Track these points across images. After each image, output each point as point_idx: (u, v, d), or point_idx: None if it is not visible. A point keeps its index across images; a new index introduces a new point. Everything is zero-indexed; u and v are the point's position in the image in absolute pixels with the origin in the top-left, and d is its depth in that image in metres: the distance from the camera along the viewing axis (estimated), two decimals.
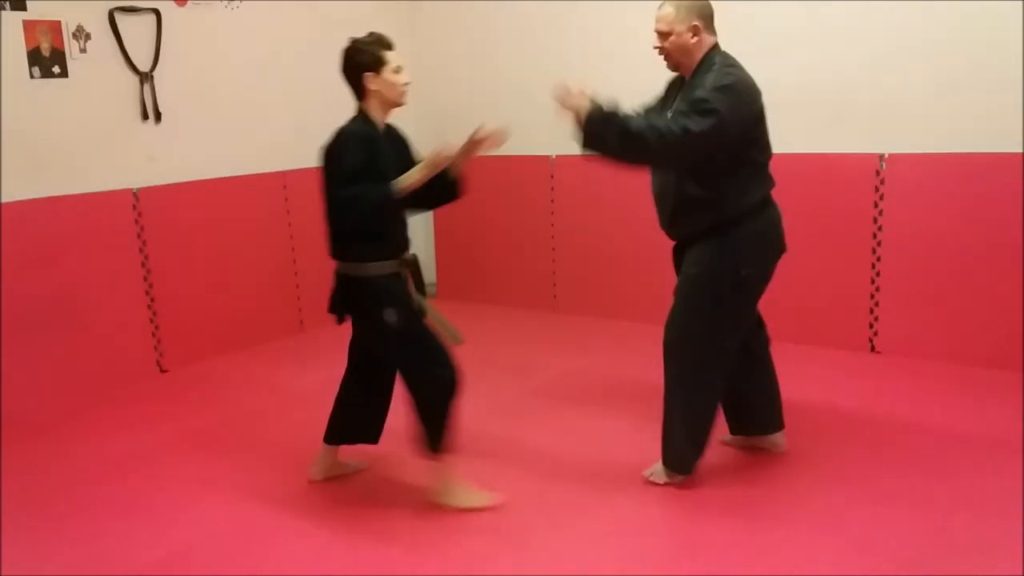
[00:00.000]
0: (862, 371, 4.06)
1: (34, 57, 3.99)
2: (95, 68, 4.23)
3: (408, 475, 3.14)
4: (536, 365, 4.35)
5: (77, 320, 4.16)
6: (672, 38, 2.69)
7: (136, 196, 4.39)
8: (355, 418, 3.07)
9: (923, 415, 3.48)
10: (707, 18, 2.72)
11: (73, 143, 4.18)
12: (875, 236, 4.23)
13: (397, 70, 2.81)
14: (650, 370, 4.21)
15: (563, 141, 5.28)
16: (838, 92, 4.29)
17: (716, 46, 2.73)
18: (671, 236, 2.96)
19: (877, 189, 4.19)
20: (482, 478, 3.10)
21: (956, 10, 3.93)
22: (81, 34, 4.15)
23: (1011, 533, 2.54)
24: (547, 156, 5.29)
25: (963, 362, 4.01)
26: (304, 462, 3.24)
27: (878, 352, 4.29)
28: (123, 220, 4.35)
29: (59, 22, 4.06)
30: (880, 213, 4.20)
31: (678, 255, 2.97)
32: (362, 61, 2.82)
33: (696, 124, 2.53)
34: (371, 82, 2.81)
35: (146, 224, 4.42)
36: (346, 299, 2.82)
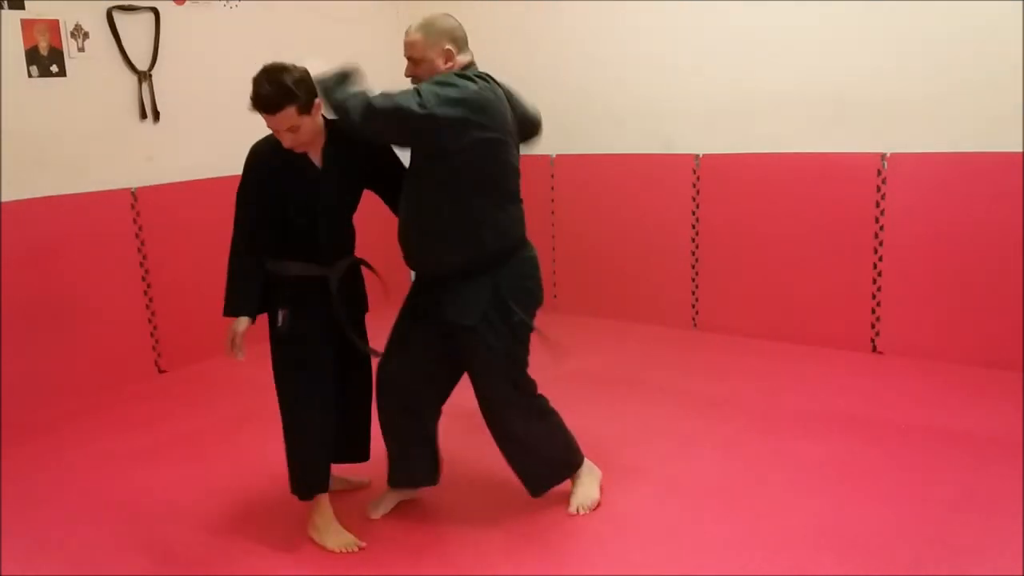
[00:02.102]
0: (864, 371, 4.05)
1: (32, 56, 3.98)
2: (93, 67, 4.22)
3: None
4: (536, 365, 4.32)
5: (75, 320, 4.14)
6: (424, 65, 2.55)
7: (134, 195, 4.38)
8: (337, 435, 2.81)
9: (924, 415, 3.47)
10: (460, 41, 2.58)
11: (71, 142, 4.17)
12: (877, 236, 4.22)
13: (275, 131, 2.55)
14: (650, 370, 4.21)
15: (563, 141, 5.31)
16: (840, 91, 4.28)
17: (470, 65, 2.61)
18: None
19: (879, 189, 4.18)
20: (481, 477, 3.10)
21: (958, 9, 3.91)
22: (79, 33, 4.14)
23: (1012, 533, 2.54)
24: (547, 156, 5.28)
25: (965, 362, 3.99)
26: None
27: (880, 352, 4.28)
28: (121, 219, 4.34)
29: (57, 21, 4.05)
30: (882, 213, 4.19)
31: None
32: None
33: (403, 97, 2.38)
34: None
35: (144, 223, 4.41)
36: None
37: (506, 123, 2.56)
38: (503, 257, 2.60)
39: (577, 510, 2.78)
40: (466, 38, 2.62)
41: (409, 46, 2.57)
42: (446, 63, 2.54)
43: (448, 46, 2.54)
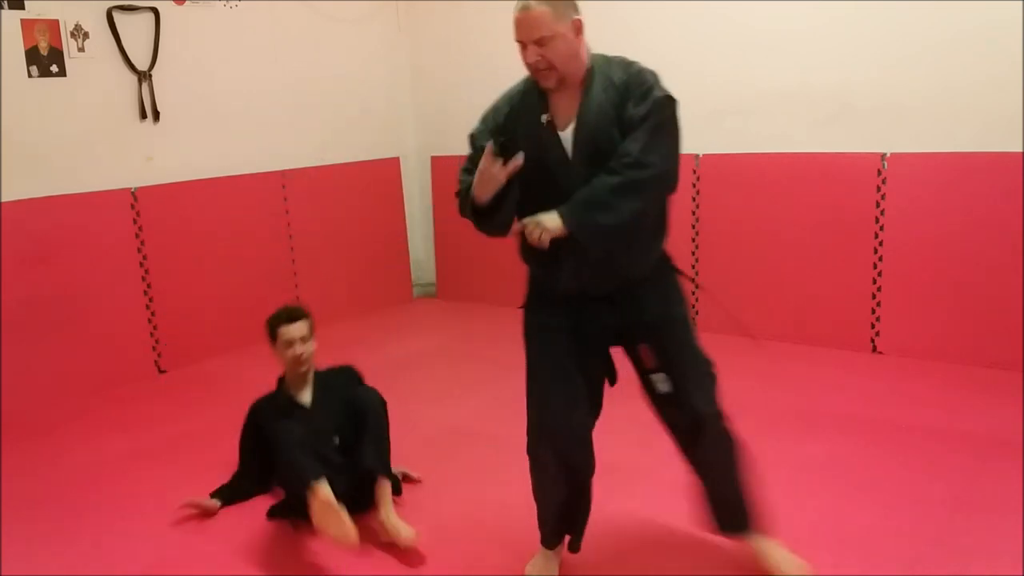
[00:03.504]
0: (864, 371, 4.05)
1: (32, 56, 3.98)
2: (93, 67, 4.22)
3: (408, 482, 3.13)
4: None
5: (75, 320, 4.15)
6: (557, 43, 2.05)
7: (134, 195, 4.38)
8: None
9: (924, 415, 3.46)
10: (577, 8, 2.12)
11: (71, 142, 4.17)
12: (877, 236, 4.22)
13: (288, 343, 2.89)
14: None
15: None
16: (840, 91, 4.28)
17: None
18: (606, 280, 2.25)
19: (879, 188, 4.18)
20: (481, 478, 3.10)
21: (958, 9, 3.91)
22: (79, 33, 4.14)
23: (1012, 534, 2.53)
24: None
25: (965, 362, 3.99)
26: None
27: (880, 352, 4.28)
28: (121, 219, 4.34)
29: (57, 21, 4.06)
30: (882, 212, 4.19)
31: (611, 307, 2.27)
32: (269, 333, 2.96)
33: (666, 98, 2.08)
34: (272, 349, 2.97)
35: (144, 224, 4.41)
36: None
37: None
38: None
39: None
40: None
41: (533, 25, 2.04)
42: (577, 36, 2.09)
43: (576, 15, 2.08)
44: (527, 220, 2.11)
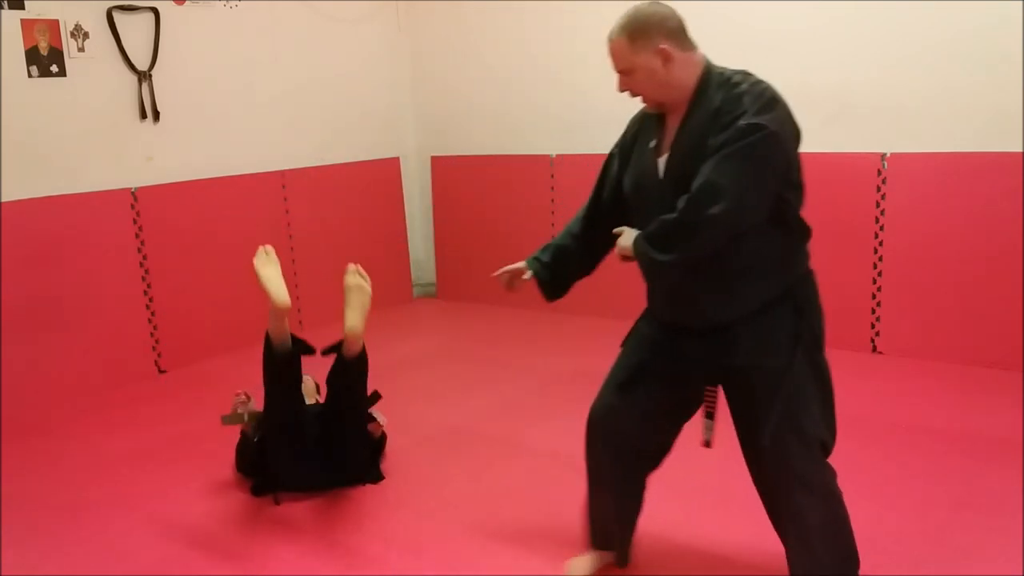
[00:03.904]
0: (864, 371, 4.05)
1: (32, 56, 3.98)
2: (93, 67, 4.22)
3: (408, 482, 3.13)
4: (537, 365, 4.34)
5: (75, 320, 4.14)
6: (638, 76, 2.04)
7: (134, 196, 4.38)
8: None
9: (925, 415, 3.46)
10: (677, 33, 2.05)
11: (71, 142, 4.17)
12: (877, 236, 4.22)
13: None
14: None
15: (562, 140, 5.31)
16: (840, 91, 4.28)
17: (706, 62, 2.09)
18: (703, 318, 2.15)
19: (879, 188, 4.18)
20: (483, 478, 3.10)
21: (958, 10, 3.92)
22: (79, 33, 4.14)
23: (1012, 534, 2.53)
24: (547, 155, 5.28)
25: (965, 362, 3.99)
26: None
27: (880, 352, 4.28)
28: (121, 220, 4.34)
29: (57, 21, 4.05)
30: (882, 213, 4.19)
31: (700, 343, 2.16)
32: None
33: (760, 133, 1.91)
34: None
35: (144, 224, 4.41)
36: None
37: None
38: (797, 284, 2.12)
39: None
40: (683, 26, 2.08)
41: (615, 57, 2.05)
42: (665, 64, 2.02)
43: (663, 44, 2.01)
44: (617, 231, 2.14)
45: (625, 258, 2.11)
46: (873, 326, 4.29)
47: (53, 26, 4.04)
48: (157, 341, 4.49)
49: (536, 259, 2.44)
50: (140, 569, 2.60)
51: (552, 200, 5.31)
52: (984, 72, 3.90)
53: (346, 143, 5.45)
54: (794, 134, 2.00)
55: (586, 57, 4.98)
